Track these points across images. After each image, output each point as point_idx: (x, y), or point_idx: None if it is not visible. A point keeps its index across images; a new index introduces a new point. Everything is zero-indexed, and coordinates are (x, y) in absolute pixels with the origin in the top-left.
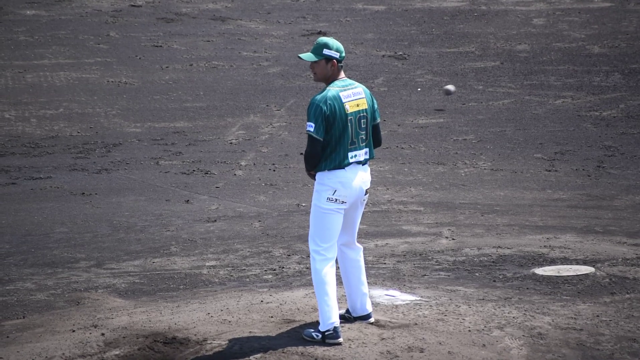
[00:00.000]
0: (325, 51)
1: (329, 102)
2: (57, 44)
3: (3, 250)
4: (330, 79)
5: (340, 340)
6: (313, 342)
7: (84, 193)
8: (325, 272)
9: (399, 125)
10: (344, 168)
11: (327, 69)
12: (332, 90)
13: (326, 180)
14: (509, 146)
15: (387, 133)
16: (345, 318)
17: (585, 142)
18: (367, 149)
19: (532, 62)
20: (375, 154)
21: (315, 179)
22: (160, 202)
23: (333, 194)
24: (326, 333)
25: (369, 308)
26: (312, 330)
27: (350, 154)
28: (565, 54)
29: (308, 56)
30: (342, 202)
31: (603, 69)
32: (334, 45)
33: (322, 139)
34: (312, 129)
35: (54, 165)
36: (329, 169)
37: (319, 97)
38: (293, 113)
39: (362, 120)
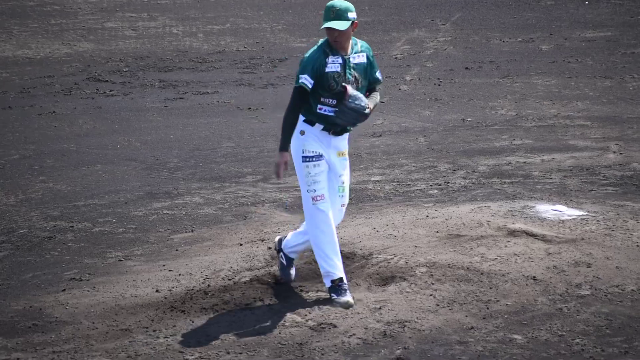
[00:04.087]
0: (350, 15)
1: None
2: None
3: (172, 164)
4: (350, 42)
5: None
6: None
7: (250, 108)
8: None
9: (565, 39)
10: None
11: (351, 32)
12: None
13: None
14: None
15: (553, 47)
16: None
17: None
18: None
19: None
20: (543, 69)
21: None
22: None
23: None
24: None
25: None
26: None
27: None
28: None
29: (340, 24)
30: None
31: None
32: (351, 6)
33: None
34: None
35: (220, 80)
36: None
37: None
38: (459, 27)
39: None
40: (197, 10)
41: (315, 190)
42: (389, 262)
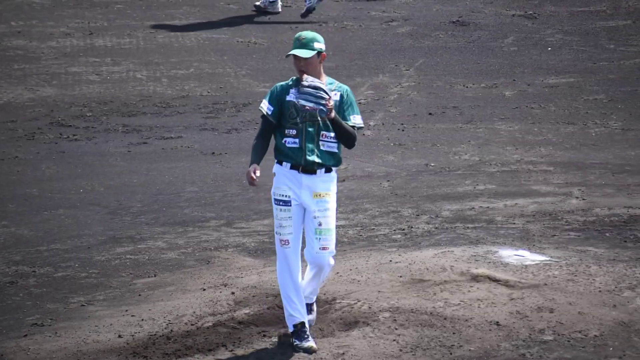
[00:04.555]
0: (317, 45)
1: None
2: (187, 4)
3: (135, 209)
4: (317, 74)
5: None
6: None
7: (214, 152)
8: None
9: (528, 85)
10: None
11: (317, 63)
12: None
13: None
14: None
15: (516, 93)
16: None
17: None
18: None
19: None
20: (506, 114)
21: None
22: None
23: None
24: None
25: None
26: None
27: None
28: None
29: (304, 52)
30: None
31: None
32: (320, 37)
33: None
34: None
35: (184, 124)
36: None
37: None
38: (422, 73)
39: None
40: (160, 55)
41: (280, 234)
42: (352, 307)
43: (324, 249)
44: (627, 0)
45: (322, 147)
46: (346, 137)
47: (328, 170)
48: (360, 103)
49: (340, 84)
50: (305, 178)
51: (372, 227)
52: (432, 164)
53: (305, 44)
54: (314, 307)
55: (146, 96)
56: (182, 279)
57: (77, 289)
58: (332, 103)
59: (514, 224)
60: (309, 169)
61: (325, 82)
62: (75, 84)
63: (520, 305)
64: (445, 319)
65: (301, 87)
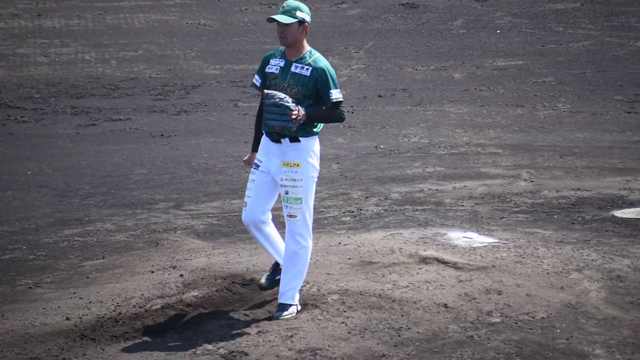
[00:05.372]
0: (299, 14)
1: None
2: None
3: (83, 191)
4: (299, 45)
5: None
6: (293, 312)
7: (163, 135)
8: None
9: (477, 68)
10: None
11: (298, 33)
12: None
13: (318, 148)
14: (588, 88)
15: (465, 75)
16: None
17: None
18: None
19: (612, 3)
20: (455, 97)
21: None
22: (239, 143)
23: (316, 161)
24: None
25: None
26: (287, 308)
27: None
28: None
29: (283, 18)
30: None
31: None
32: (306, 9)
33: None
34: (342, 95)
35: (133, 106)
36: (315, 135)
37: (327, 63)
38: (372, 55)
39: None
40: (109, 36)
41: (245, 196)
42: (301, 290)
43: (290, 216)
44: None
45: None
46: (328, 121)
47: (294, 140)
48: None
49: (317, 60)
50: (273, 146)
51: (322, 210)
52: (382, 147)
53: (288, 11)
54: (291, 308)
55: (95, 78)
56: (130, 261)
57: (25, 272)
58: (296, 114)
59: (463, 206)
60: (273, 138)
61: (306, 52)
62: (24, 66)
63: (469, 287)
64: (393, 301)
65: (265, 106)
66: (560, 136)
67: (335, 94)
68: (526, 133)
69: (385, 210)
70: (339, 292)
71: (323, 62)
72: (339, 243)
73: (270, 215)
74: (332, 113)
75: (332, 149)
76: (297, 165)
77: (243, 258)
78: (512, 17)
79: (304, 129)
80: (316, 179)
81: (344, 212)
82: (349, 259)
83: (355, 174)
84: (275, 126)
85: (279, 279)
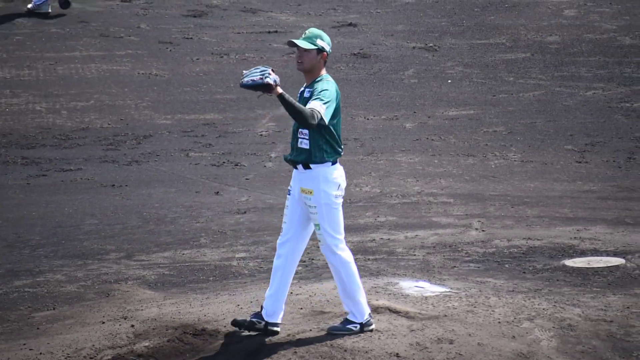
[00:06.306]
0: (319, 42)
1: (338, 90)
2: (87, 36)
3: (33, 242)
4: (315, 72)
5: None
6: (343, 334)
7: (114, 185)
8: (353, 262)
9: (429, 117)
10: (338, 162)
11: (316, 60)
12: (333, 81)
13: (332, 175)
14: (539, 138)
15: (417, 125)
16: (252, 324)
17: (616, 133)
18: None
19: (562, 53)
20: (407, 146)
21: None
22: (190, 193)
23: (338, 189)
24: (365, 322)
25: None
26: (346, 324)
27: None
28: (596, 45)
29: (303, 43)
30: (342, 196)
31: (634, 60)
32: (327, 38)
33: (327, 124)
34: (324, 110)
35: (84, 157)
36: (333, 163)
37: (331, 85)
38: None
39: None
40: (60, 87)
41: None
42: (252, 339)
43: (319, 241)
44: (526, 33)
45: (299, 144)
46: (295, 115)
47: (307, 167)
48: (261, 135)
49: (326, 83)
50: (295, 172)
51: (273, 259)
52: None
53: (309, 38)
54: (349, 326)
55: (45, 128)
56: (81, 312)
57: None
58: (274, 77)
59: (415, 255)
60: (291, 165)
61: (318, 78)
62: None
63: (420, 337)
64: (345, 350)
65: (241, 81)
66: (511, 185)
67: (317, 105)
68: (477, 182)
69: None
70: (291, 341)
71: (323, 83)
72: (291, 293)
73: (299, 254)
74: (305, 109)
75: (284, 198)
76: (310, 192)
77: (194, 308)
78: (464, 67)
79: (307, 155)
80: (335, 207)
81: None
82: (301, 308)
83: None
84: (253, 78)
85: (251, 321)
